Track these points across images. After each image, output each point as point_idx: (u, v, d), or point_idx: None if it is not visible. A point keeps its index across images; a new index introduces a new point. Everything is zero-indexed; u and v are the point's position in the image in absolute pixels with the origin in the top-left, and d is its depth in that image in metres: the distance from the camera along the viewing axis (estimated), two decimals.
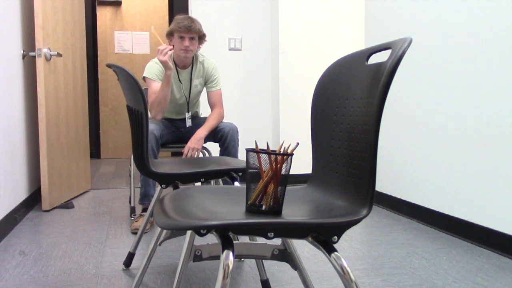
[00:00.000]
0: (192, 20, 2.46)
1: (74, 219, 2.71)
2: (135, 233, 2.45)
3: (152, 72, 2.54)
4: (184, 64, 2.57)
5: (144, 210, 2.63)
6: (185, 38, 2.44)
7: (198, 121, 2.69)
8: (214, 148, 3.41)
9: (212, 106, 2.62)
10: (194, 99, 2.70)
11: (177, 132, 2.70)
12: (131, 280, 1.76)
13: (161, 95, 2.41)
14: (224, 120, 2.65)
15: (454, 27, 2.34)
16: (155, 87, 2.50)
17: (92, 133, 5.65)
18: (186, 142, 2.67)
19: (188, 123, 2.66)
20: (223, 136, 2.49)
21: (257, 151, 0.92)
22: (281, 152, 0.92)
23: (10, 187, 2.52)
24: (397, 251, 2.11)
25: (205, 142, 2.67)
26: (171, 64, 2.34)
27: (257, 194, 0.92)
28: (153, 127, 2.41)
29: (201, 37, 2.53)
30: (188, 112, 2.67)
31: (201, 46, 2.57)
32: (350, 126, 1.03)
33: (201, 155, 3.06)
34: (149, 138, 2.35)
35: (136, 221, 2.54)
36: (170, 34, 2.51)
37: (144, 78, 2.56)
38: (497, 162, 2.09)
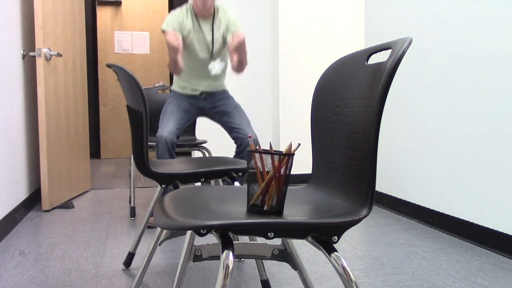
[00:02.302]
0: None
1: (74, 219, 2.71)
2: (150, 227, 2.49)
3: (170, 23, 2.41)
4: (204, 14, 2.44)
5: None
6: None
7: (225, 107, 2.51)
8: (214, 148, 3.41)
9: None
10: (218, 53, 2.51)
11: (199, 113, 2.58)
12: (131, 280, 1.76)
13: (171, 65, 2.30)
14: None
15: (454, 27, 2.35)
16: (169, 34, 2.34)
17: (92, 133, 5.65)
18: (210, 118, 2.59)
19: (215, 70, 2.47)
20: (241, 145, 2.41)
21: (259, 151, 0.92)
22: (287, 152, 0.92)
23: (10, 187, 2.52)
24: (397, 251, 2.11)
25: (221, 126, 2.56)
26: (176, 45, 2.18)
27: (258, 195, 0.92)
28: (166, 133, 2.28)
29: None
30: (213, 60, 2.49)
31: None
32: (350, 126, 1.03)
33: (201, 154, 3.06)
34: (163, 146, 2.25)
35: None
36: None
37: (163, 31, 2.44)
38: (497, 162, 2.09)
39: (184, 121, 2.47)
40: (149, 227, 2.52)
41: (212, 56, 2.49)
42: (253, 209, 0.93)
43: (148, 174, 1.54)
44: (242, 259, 1.99)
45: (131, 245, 1.92)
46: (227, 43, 2.47)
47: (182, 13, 2.46)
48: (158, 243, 1.61)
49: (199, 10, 2.43)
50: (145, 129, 1.48)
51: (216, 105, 2.54)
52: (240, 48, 2.23)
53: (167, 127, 2.32)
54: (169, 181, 1.57)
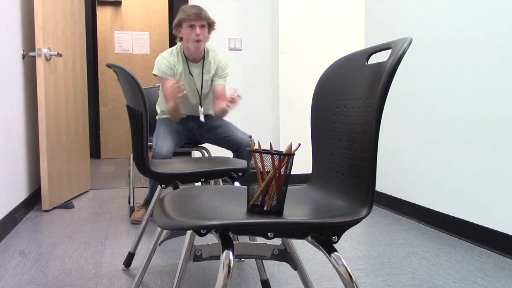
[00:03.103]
0: (200, 8, 2.39)
1: (74, 219, 2.71)
2: (134, 224, 2.50)
3: (162, 70, 2.46)
4: (195, 57, 2.48)
5: (146, 202, 2.67)
6: (196, 26, 2.36)
7: (212, 123, 2.59)
8: (214, 148, 3.40)
9: (218, 98, 2.50)
10: (206, 95, 2.59)
11: (190, 135, 2.63)
12: (131, 280, 1.76)
13: (172, 113, 2.43)
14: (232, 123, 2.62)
15: (454, 27, 2.34)
16: (167, 85, 2.42)
17: (92, 133, 5.65)
18: (199, 143, 2.66)
19: (202, 118, 2.55)
20: (239, 149, 2.45)
21: (259, 151, 0.92)
22: (287, 152, 0.92)
23: (10, 187, 2.52)
24: (397, 251, 2.11)
25: (213, 143, 2.61)
26: (180, 110, 2.38)
27: (258, 195, 0.92)
28: (164, 150, 2.30)
29: (211, 25, 2.45)
30: (201, 106, 2.56)
31: (209, 36, 2.48)
32: (350, 126, 1.03)
33: (200, 155, 3.07)
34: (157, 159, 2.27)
35: (138, 211, 2.58)
36: (178, 25, 2.42)
37: (154, 75, 2.51)
38: (497, 162, 2.09)
39: (178, 141, 2.50)
40: (133, 223, 2.55)
41: (201, 96, 2.55)
42: (253, 209, 0.93)
43: (148, 174, 1.54)
44: (242, 259, 1.99)
45: (131, 245, 1.92)
46: (214, 91, 2.54)
47: (172, 56, 2.48)
48: (158, 243, 1.61)
49: (191, 54, 2.46)
50: (145, 129, 1.48)
51: (204, 124, 2.59)
52: (233, 103, 2.30)
53: (164, 145, 2.35)
54: (169, 181, 1.57)
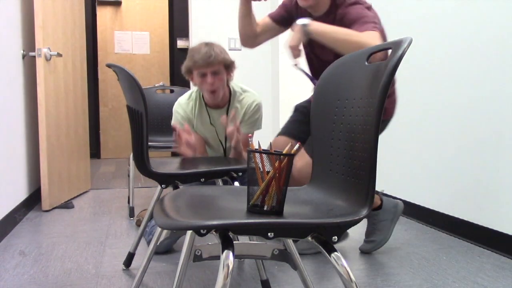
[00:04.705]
0: (211, 47, 1.90)
1: (74, 219, 2.71)
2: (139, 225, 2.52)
3: (178, 120, 2.08)
4: (217, 103, 2.03)
5: None
6: (207, 74, 1.90)
7: None
8: None
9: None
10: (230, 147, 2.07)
11: None
12: (131, 280, 1.76)
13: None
14: None
15: (454, 27, 2.34)
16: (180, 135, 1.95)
17: (92, 133, 5.65)
18: None
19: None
20: None
21: (259, 151, 0.92)
22: (287, 152, 0.92)
23: (10, 187, 2.52)
24: (397, 251, 2.11)
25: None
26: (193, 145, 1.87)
27: (258, 195, 0.92)
28: None
29: (228, 66, 1.96)
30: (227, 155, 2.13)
31: (231, 76, 2.02)
32: (350, 126, 1.03)
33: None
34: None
35: (142, 211, 2.60)
36: (188, 72, 1.97)
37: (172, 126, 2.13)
38: (497, 162, 2.09)
39: None
40: (139, 225, 2.54)
41: (225, 148, 2.12)
42: (253, 209, 0.93)
43: (148, 174, 1.54)
44: (242, 259, 1.98)
45: (131, 245, 1.92)
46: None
47: (190, 102, 2.08)
48: (158, 243, 1.61)
49: (209, 102, 2.04)
50: (145, 129, 1.48)
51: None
52: (237, 145, 1.91)
53: None
54: (169, 181, 1.57)
